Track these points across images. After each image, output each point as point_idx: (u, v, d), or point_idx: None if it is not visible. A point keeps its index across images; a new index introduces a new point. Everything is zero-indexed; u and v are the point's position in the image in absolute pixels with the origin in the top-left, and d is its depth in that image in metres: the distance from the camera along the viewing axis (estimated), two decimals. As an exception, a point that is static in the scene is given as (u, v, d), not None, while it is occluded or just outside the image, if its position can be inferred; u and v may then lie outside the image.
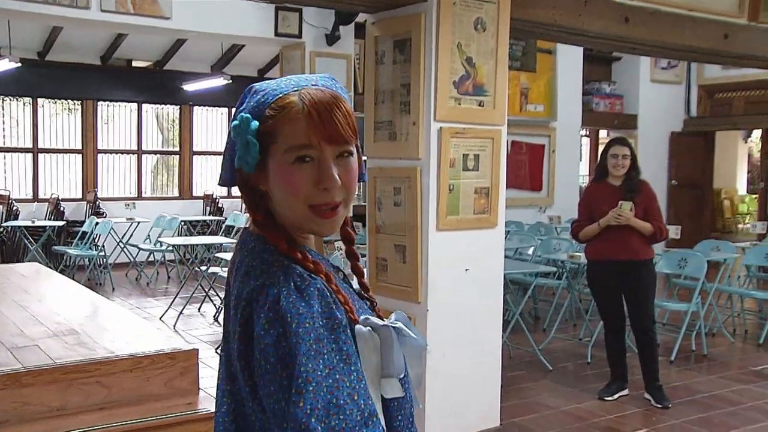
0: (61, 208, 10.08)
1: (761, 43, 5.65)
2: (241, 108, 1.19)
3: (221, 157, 1.25)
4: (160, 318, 7.28)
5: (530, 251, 7.76)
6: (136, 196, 11.40)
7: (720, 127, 11.70)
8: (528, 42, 9.35)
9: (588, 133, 12.68)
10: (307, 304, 1.08)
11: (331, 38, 8.12)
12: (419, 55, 3.89)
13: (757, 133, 16.52)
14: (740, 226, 16.70)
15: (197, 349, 2.66)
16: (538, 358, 5.82)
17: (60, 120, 10.93)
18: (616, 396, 4.95)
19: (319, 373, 1.04)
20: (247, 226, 1.25)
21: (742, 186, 18.72)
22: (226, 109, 11.91)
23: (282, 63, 8.40)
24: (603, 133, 13.26)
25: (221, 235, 10.01)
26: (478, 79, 4.03)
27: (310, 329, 1.06)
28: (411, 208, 4.00)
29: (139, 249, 9.66)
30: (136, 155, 11.44)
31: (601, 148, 14.28)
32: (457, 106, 3.96)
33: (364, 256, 5.74)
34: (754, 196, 17.26)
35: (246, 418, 1.16)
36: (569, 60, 10.17)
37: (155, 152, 11.77)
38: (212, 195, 11.67)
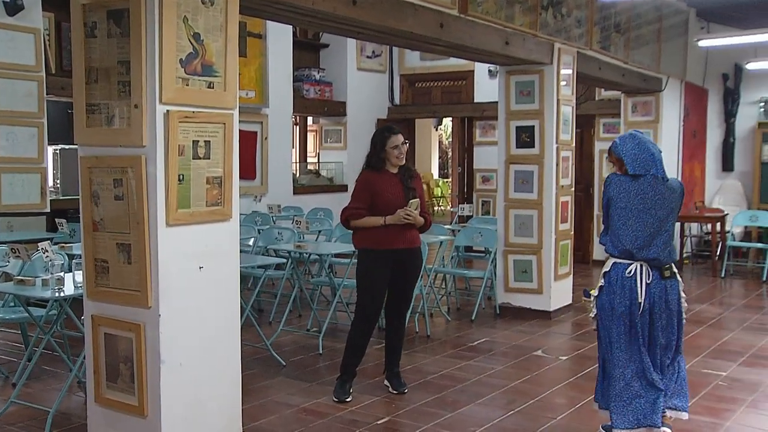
0: None
1: (470, 35, 5.92)
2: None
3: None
4: None
5: (251, 242, 7.50)
6: None
7: (421, 114, 12.33)
8: (238, 25, 9.02)
9: (297, 120, 12.65)
10: None
11: (12, 7, 7.02)
12: (140, 28, 3.42)
13: (446, 121, 17.80)
14: (436, 208, 17.85)
15: None
16: (270, 353, 5.60)
17: None
18: (351, 394, 4.81)
19: None
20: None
21: (435, 171, 20.12)
22: None
23: (-58, 32, 7.10)
24: (309, 120, 13.37)
25: None
26: (207, 57, 3.67)
27: None
28: (136, 202, 3.53)
29: None
30: None
31: (311, 136, 14.35)
32: (185, 87, 3.56)
33: (72, 257, 5.07)
34: (446, 180, 18.62)
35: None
36: (279, 45, 10.01)
37: None
38: None
